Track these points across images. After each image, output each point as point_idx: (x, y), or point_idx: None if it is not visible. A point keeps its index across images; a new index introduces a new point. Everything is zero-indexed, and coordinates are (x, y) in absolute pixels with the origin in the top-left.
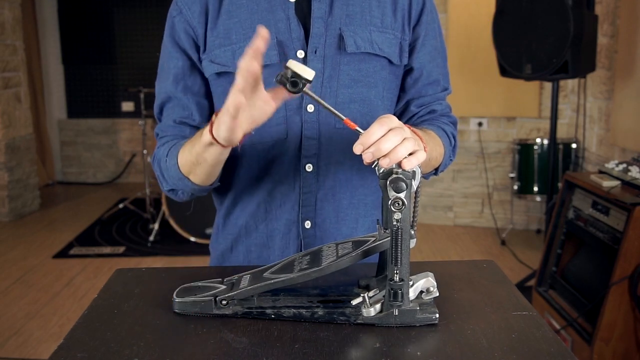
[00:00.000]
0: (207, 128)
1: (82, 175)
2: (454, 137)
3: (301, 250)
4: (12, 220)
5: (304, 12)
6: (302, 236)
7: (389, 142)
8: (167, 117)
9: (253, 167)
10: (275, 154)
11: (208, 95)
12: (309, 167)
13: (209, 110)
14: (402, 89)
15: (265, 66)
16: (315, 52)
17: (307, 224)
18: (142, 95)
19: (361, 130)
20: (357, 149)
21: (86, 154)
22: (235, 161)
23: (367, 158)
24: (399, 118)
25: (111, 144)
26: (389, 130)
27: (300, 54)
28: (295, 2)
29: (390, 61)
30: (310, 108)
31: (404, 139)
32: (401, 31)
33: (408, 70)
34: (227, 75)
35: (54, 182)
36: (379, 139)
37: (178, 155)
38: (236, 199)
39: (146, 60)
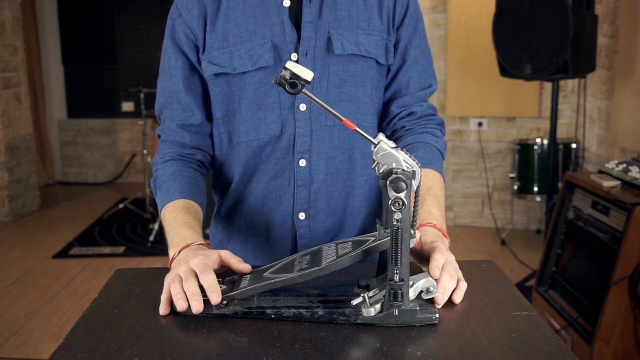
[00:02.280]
0: (173, 252)
1: (82, 175)
2: (444, 148)
3: (296, 240)
4: (12, 220)
5: (296, 17)
6: (296, 227)
7: (449, 282)
8: (169, 120)
9: (250, 162)
10: (270, 149)
11: (207, 95)
12: (302, 162)
13: (208, 110)
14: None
15: (260, 68)
16: (306, 55)
17: (302, 216)
18: (142, 95)
19: (360, 131)
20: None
21: (86, 154)
22: (233, 156)
23: (441, 303)
24: (381, 118)
25: (111, 144)
26: (444, 270)
27: (294, 56)
28: (289, 7)
29: (377, 61)
30: (303, 107)
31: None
32: (387, 32)
33: (388, 70)
34: (225, 76)
35: (54, 182)
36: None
37: (162, 210)
38: (234, 192)
39: (146, 60)
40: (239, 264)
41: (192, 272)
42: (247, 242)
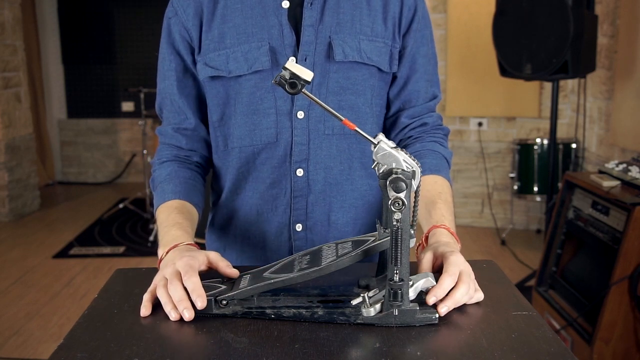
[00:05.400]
0: (161, 253)
1: (82, 175)
2: (450, 157)
3: (293, 253)
4: (12, 220)
5: (296, 19)
6: (293, 239)
7: (464, 296)
8: (167, 122)
9: (243, 168)
10: (265, 157)
11: (202, 96)
12: (299, 172)
13: (203, 112)
14: (390, 96)
15: (256, 72)
16: (305, 60)
17: (299, 227)
18: (142, 95)
19: (360, 131)
20: (431, 301)
21: (86, 154)
22: (227, 161)
23: (442, 311)
24: (391, 129)
25: (111, 144)
26: (461, 280)
27: (292, 60)
28: (288, 8)
29: (379, 69)
30: (301, 114)
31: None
32: (392, 39)
33: (395, 78)
34: (221, 79)
35: (54, 182)
36: (452, 290)
37: (157, 211)
38: (227, 199)
39: (146, 60)
40: (227, 269)
41: (178, 274)
42: (244, 253)
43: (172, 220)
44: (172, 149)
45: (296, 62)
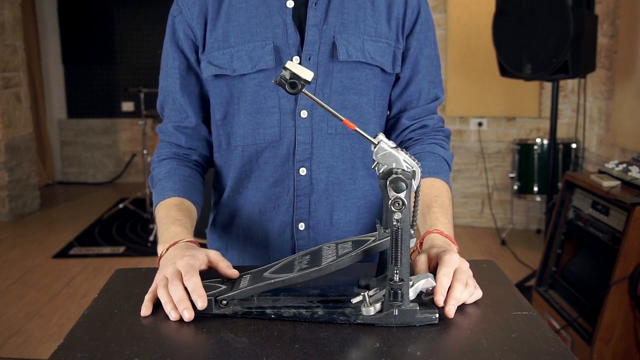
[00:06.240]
0: (161, 250)
1: (82, 175)
2: (451, 159)
3: (295, 252)
4: (12, 220)
5: (300, 19)
6: (296, 238)
7: (463, 293)
8: (167, 120)
9: (246, 167)
10: (269, 156)
11: (204, 95)
12: (302, 171)
13: (205, 111)
14: (392, 97)
15: (260, 71)
16: (309, 60)
17: (301, 226)
18: (142, 95)
19: (361, 131)
20: (441, 301)
21: (86, 154)
22: (230, 159)
23: (451, 313)
24: (392, 130)
25: (111, 144)
26: (456, 279)
27: (296, 59)
28: (292, 8)
29: (382, 69)
30: (304, 114)
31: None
32: (395, 40)
33: (398, 79)
34: (225, 78)
35: (54, 182)
36: (453, 289)
37: (156, 208)
38: (229, 198)
39: (146, 60)
40: (227, 269)
41: (178, 274)
42: (246, 252)
43: (172, 217)
44: (171, 146)
45: (300, 62)
